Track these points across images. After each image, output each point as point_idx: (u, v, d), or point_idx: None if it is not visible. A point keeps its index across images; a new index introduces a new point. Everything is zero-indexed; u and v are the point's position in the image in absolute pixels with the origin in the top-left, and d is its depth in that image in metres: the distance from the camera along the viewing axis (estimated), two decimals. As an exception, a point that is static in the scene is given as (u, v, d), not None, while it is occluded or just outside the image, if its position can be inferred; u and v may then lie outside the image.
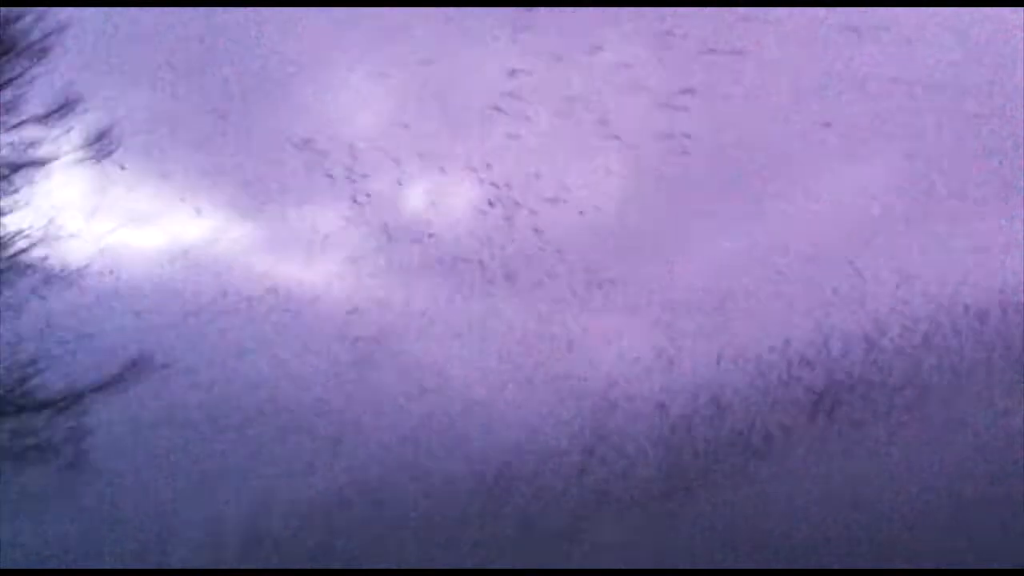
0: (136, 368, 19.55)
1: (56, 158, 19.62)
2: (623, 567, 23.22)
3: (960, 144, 26.28)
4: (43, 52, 19.37)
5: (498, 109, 26.06)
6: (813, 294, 25.44)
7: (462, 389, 24.55)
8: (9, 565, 20.62)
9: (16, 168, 18.93)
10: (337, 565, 23.10)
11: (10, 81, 18.99)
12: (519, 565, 23.20)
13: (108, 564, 21.42)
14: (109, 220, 21.62)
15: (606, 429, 24.68)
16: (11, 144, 18.97)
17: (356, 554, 23.18)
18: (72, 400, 18.96)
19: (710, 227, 26.38)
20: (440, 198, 25.79)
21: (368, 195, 25.55)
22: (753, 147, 26.26)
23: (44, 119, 19.33)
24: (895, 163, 26.66)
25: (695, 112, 26.52)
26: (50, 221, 19.01)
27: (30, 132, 19.14)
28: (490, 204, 25.84)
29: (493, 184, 26.01)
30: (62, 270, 19.28)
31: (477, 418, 24.37)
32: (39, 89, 19.35)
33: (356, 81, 26.21)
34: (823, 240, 25.98)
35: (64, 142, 19.63)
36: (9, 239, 18.69)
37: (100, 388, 19.22)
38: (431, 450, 24.00)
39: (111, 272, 22.44)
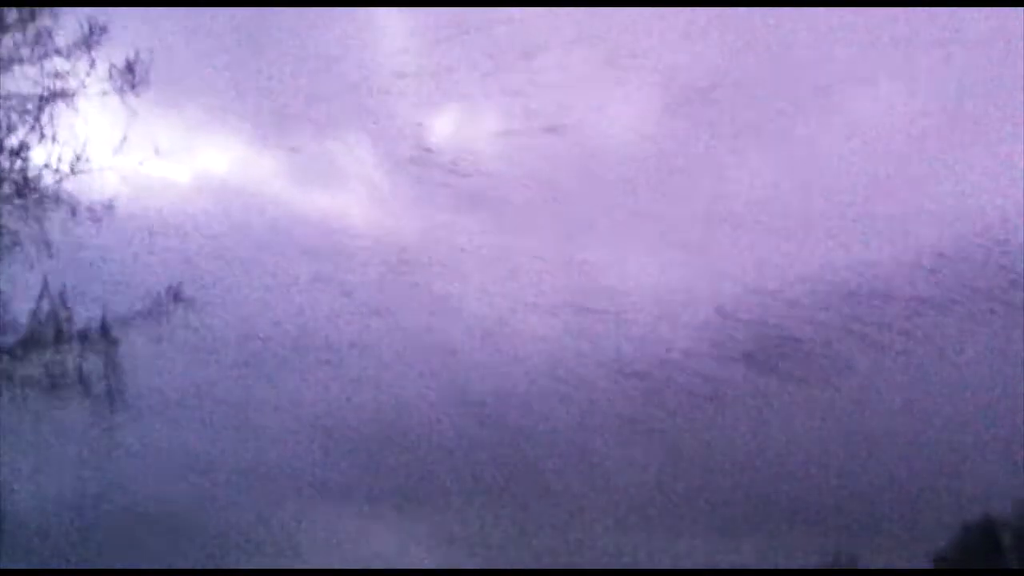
0: (166, 301, 19.53)
1: (82, 91, 19.43)
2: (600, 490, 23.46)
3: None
4: (68, -17, 19.13)
5: (525, 45, 25.78)
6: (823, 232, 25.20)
7: (482, 318, 24.54)
8: (42, 499, 20.85)
9: (42, 101, 18.80)
10: (364, 490, 23.32)
11: (35, 13, 18.80)
12: (523, 483, 23.42)
13: (138, 497, 21.66)
14: (137, 153, 21.48)
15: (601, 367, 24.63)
16: (37, 77, 18.82)
17: (382, 479, 23.37)
18: (104, 333, 19.00)
19: (730, 163, 26.14)
20: (466, 131, 25.59)
21: (395, 127, 25.37)
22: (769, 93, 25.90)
23: (69, 51, 19.14)
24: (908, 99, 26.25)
25: (720, 46, 26.17)
26: (77, 155, 18.90)
27: (56, 64, 18.97)
28: (514, 136, 25.60)
29: (517, 117, 25.76)
30: (91, 204, 19.18)
31: (494, 346, 24.38)
32: (64, 21, 19.14)
33: (384, 15, 25.96)
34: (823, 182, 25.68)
35: (90, 74, 19.43)
36: (37, 173, 18.63)
37: (131, 321, 19.23)
38: (450, 376, 24.05)
39: (140, 205, 22.40)
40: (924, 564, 27.11)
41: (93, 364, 19.03)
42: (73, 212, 18.95)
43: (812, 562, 24.17)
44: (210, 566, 22.10)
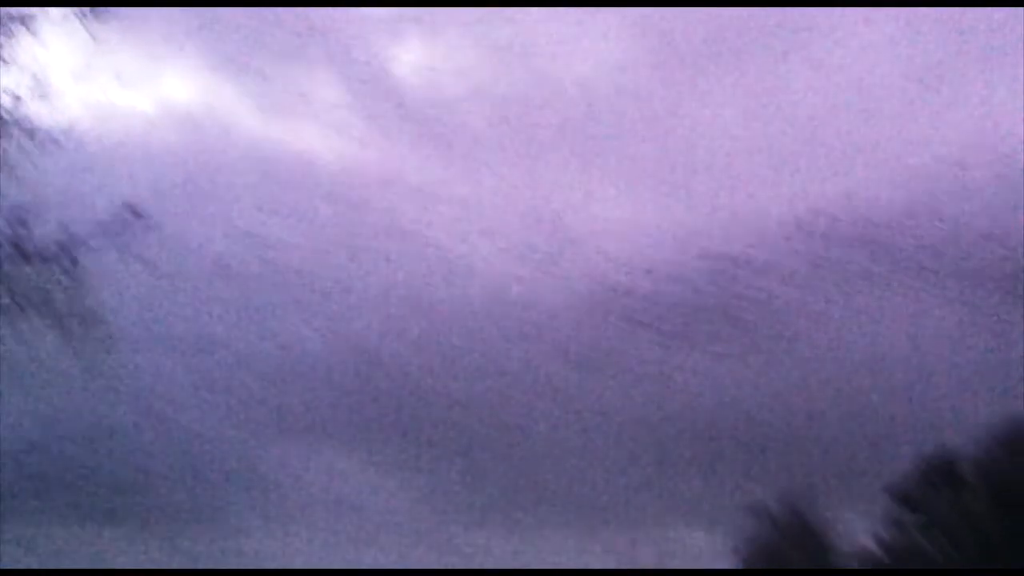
0: (125, 220, 19.79)
1: (44, 15, 19.53)
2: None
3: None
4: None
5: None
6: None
7: (448, 253, 24.92)
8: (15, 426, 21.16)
9: (2, 25, 18.90)
10: (327, 419, 23.82)
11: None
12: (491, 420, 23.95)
13: (97, 419, 21.96)
14: (99, 80, 21.60)
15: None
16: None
17: (347, 407, 23.86)
18: (64, 251, 19.30)
19: (708, 98, 26.37)
20: (433, 64, 25.78)
21: (360, 60, 25.54)
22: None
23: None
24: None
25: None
26: (36, 79, 19.04)
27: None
28: (484, 71, 25.77)
29: (488, 51, 25.94)
30: (50, 129, 19.37)
31: (460, 279, 24.79)
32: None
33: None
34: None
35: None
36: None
37: (90, 239, 19.49)
38: (415, 310, 24.48)
39: (101, 132, 22.54)
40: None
41: (56, 282, 19.35)
42: (32, 136, 19.14)
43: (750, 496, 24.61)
44: (177, 489, 22.59)
